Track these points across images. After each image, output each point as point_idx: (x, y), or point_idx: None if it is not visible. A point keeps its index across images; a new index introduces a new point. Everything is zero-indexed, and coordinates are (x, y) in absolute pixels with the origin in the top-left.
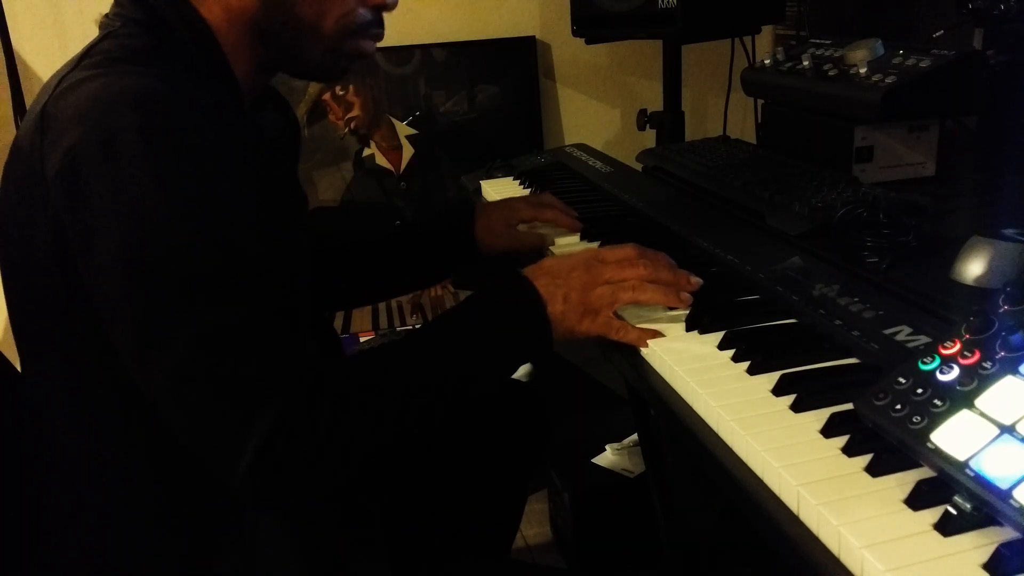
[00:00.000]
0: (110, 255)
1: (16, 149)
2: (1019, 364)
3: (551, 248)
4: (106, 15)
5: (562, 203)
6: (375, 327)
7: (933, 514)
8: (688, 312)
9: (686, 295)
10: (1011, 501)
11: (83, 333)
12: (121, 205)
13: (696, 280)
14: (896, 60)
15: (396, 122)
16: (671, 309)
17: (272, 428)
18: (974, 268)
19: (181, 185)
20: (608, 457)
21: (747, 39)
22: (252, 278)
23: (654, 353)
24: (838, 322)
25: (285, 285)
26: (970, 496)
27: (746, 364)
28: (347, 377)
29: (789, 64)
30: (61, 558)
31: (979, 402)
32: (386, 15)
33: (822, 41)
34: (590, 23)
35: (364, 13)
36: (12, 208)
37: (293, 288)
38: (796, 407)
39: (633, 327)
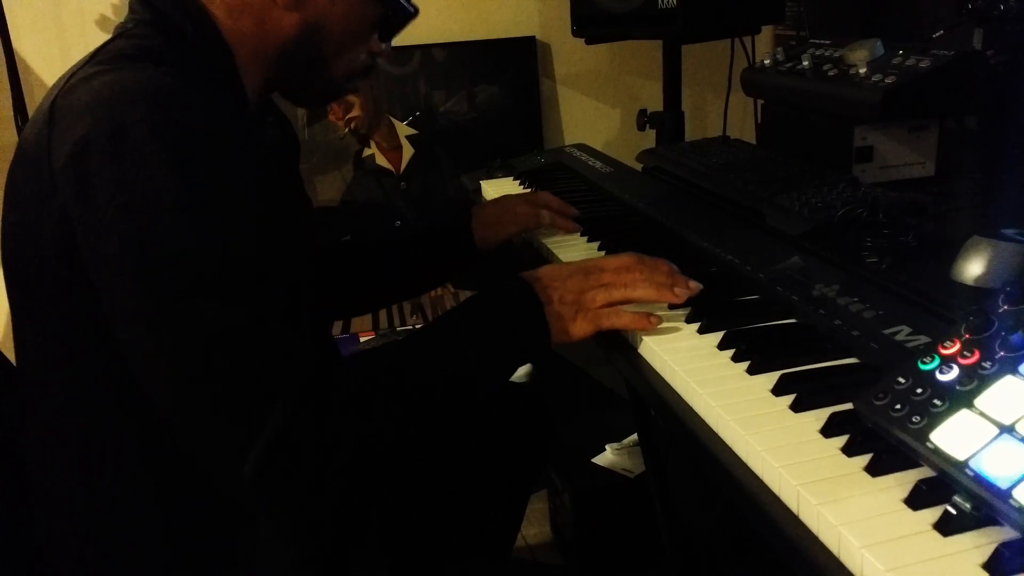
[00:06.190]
0: (116, 246)
1: (22, 149)
2: (1019, 364)
3: (551, 247)
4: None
5: (558, 199)
6: (375, 327)
7: (933, 514)
8: (688, 312)
9: (680, 290)
10: (1011, 501)
11: (85, 332)
12: (129, 196)
13: (695, 284)
14: (896, 60)
15: (396, 122)
16: (671, 308)
17: (277, 432)
18: (974, 268)
19: (189, 179)
20: (608, 457)
21: (747, 39)
22: (257, 278)
23: (654, 353)
24: (838, 322)
25: (290, 288)
26: (970, 496)
27: (746, 364)
28: (349, 380)
29: (789, 64)
30: (57, 562)
31: (979, 402)
32: None
33: (822, 41)
34: (590, 23)
35: (366, 58)
36: (18, 208)
37: (297, 291)
38: (796, 407)
39: (625, 312)
